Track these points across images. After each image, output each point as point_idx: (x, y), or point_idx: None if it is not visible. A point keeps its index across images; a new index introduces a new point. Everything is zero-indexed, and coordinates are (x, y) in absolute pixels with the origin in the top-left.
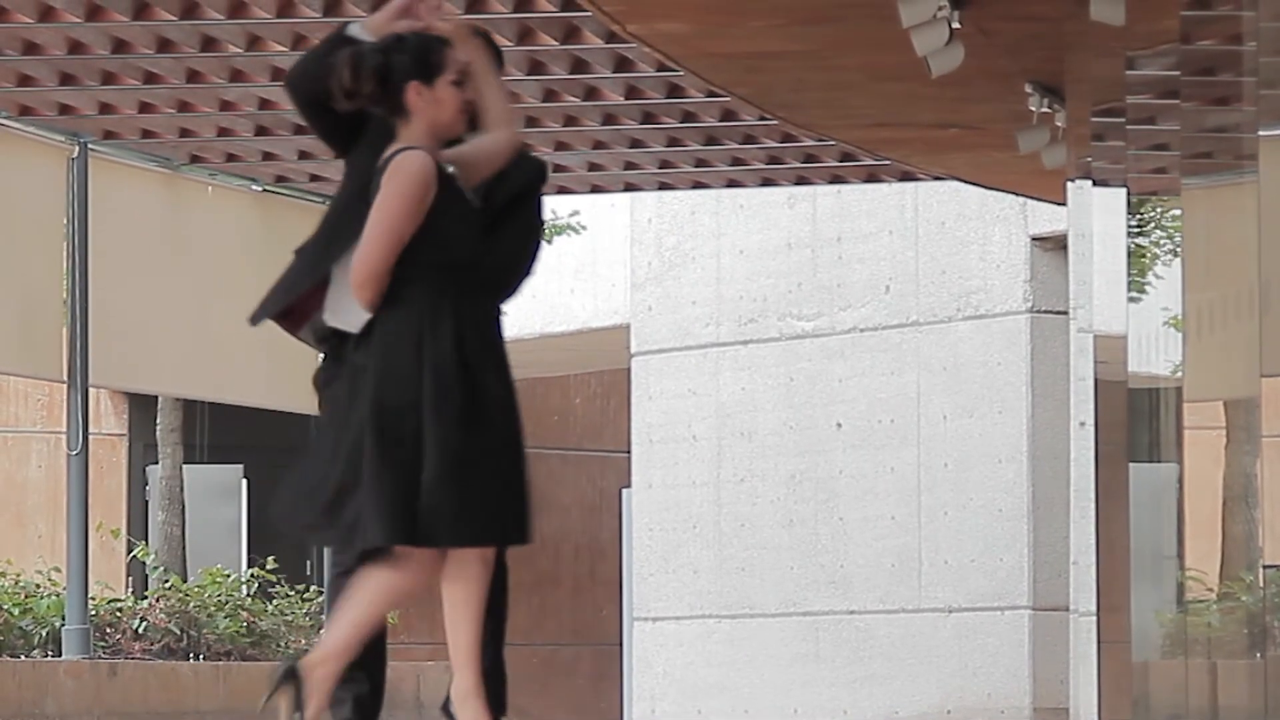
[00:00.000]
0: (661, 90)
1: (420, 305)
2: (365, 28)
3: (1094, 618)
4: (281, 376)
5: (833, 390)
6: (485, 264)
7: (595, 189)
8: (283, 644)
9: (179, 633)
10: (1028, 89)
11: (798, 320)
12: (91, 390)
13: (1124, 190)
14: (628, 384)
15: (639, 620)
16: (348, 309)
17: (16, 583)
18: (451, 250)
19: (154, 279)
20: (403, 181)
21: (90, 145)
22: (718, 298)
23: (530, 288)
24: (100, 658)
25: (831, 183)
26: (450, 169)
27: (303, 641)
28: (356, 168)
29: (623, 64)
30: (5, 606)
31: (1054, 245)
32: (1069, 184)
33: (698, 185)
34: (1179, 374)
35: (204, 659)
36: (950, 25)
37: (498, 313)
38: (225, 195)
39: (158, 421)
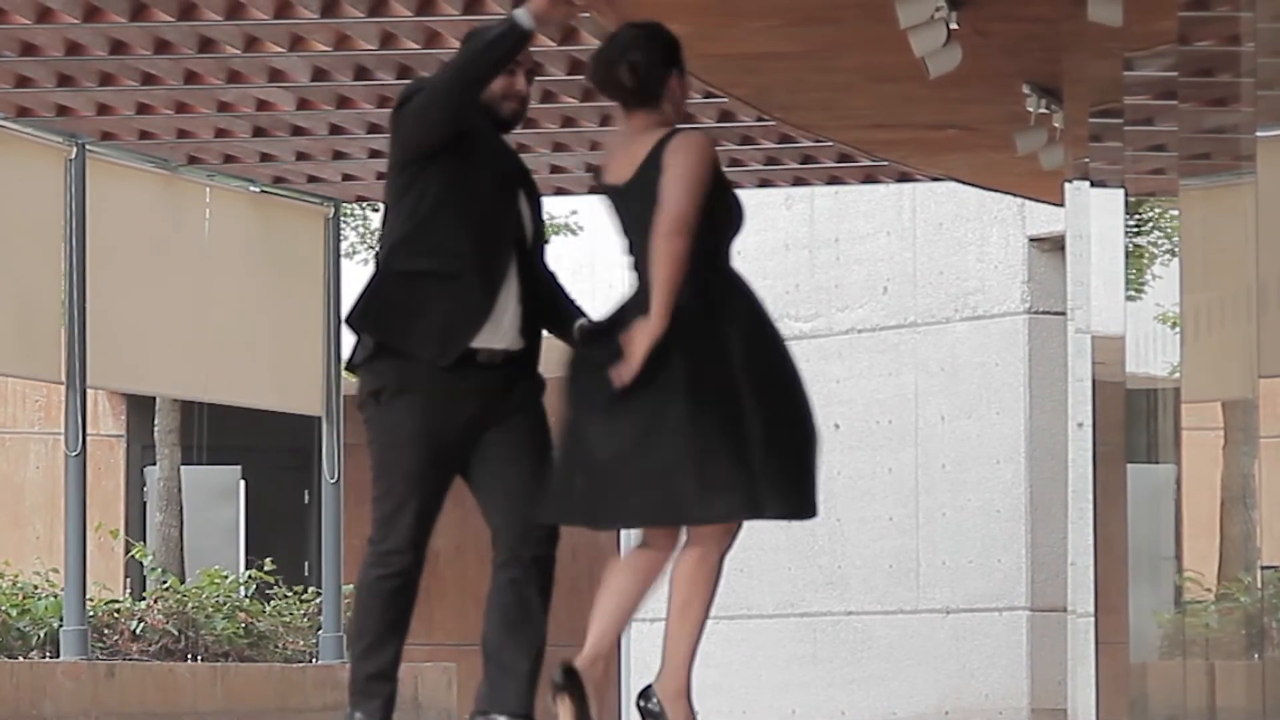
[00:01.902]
0: None
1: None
2: (530, 12)
3: (1092, 618)
4: (280, 378)
5: (830, 391)
6: None
7: (594, 191)
8: (280, 645)
9: (177, 634)
10: (1025, 90)
11: (795, 321)
12: (89, 391)
13: (1122, 191)
14: None
15: (636, 621)
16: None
17: (14, 584)
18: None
19: (152, 280)
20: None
21: (88, 146)
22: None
23: None
24: (98, 659)
25: (829, 184)
26: None
27: (300, 643)
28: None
29: None
30: (3, 607)
31: (1052, 246)
32: (1067, 185)
33: None
34: (1177, 375)
35: (202, 660)
36: (948, 26)
37: None
38: (223, 196)
39: (156, 423)
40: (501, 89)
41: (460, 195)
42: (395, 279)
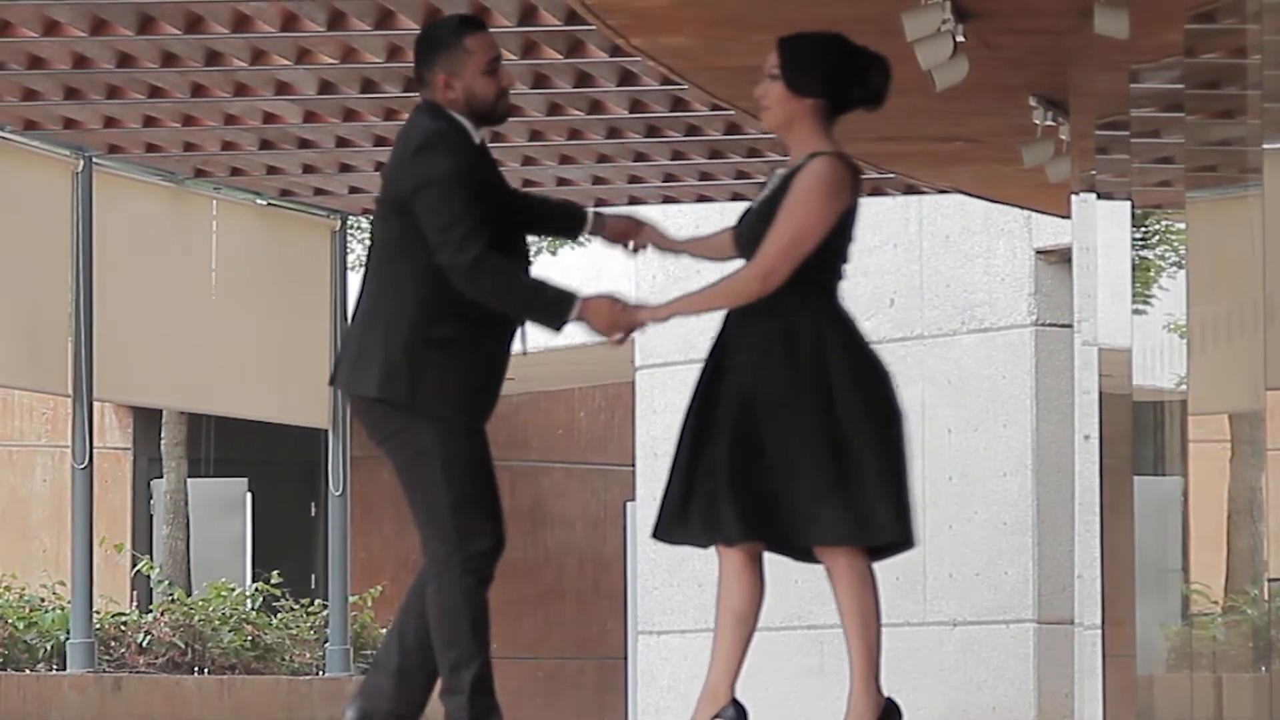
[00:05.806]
0: (665, 104)
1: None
2: (580, 317)
3: (1099, 631)
4: (287, 391)
5: None
6: None
7: (599, 202)
8: (287, 658)
9: (183, 646)
10: (1032, 102)
11: None
12: (96, 404)
13: (1128, 203)
14: (632, 397)
15: (643, 634)
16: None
17: (21, 596)
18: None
19: (159, 292)
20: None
21: (95, 159)
22: (722, 311)
23: None
24: (105, 671)
25: None
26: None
27: (307, 656)
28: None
29: (627, 77)
30: (10, 620)
31: (1058, 258)
32: (1073, 197)
33: (702, 199)
34: (1183, 387)
35: (208, 673)
36: (954, 39)
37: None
38: (230, 209)
39: (162, 435)
40: (495, 92)
41: None
42: (426, 347)
